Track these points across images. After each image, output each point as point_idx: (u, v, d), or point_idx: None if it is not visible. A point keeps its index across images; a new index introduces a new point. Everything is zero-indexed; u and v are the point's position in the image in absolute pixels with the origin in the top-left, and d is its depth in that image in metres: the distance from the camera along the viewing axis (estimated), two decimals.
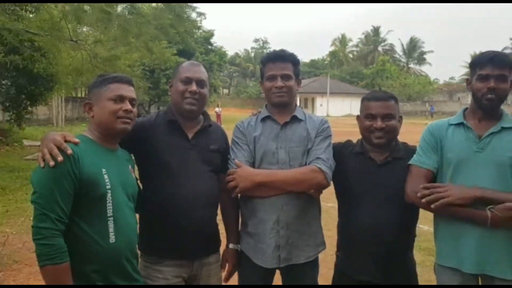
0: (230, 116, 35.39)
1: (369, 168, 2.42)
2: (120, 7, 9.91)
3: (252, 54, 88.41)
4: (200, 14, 11.99)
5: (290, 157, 2.41)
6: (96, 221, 1.93)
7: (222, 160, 2.46)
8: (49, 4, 10.98)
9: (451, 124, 2.33)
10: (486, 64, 2.19)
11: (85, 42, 12.05)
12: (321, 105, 53.12)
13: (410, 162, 2.36)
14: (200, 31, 42.52)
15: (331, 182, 2.41)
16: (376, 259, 2.33)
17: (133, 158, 2.32)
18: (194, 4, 11.00)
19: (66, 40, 10.96)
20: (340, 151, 2.53)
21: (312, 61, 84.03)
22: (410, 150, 2.45)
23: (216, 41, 50.35)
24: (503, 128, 2.21)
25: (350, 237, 2.45)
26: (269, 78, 2.47)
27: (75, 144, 1.92)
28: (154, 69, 29.54)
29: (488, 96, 2.18)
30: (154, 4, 10.69)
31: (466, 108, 2.38)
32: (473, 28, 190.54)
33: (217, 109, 35.49)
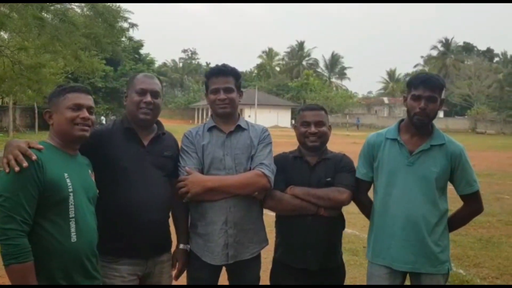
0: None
1: (304, 169, 2.77)
2: (51, 15, 9.59)
3: (180, 65, 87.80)
4: (133, 25, 11.80)
5: (236, 163, 2.67)
6: (59, 222, 2.05)
7: (174, 166, 2.66)
8: None
9: (387, 138, 2.70)
10: (418, 85, 2.53)
11: (8, 48, 11.51)
12: (249, 116, 53.85)
13: (356, 175, 2.75)
14: (129, 41, 41.69)
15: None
16: (311, 249, 2.66)
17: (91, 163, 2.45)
18: (127, 14, 10.89)
19: None
20: (282, 156, 2.87)
21: (241, 73, 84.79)
22: (337, 155, 2.86)
23: (144, 50, 49.54)
24: (432, 146, 2.58)
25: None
26: (213, 91, 2.72)
27: (39, 150, 2.04)
28: (78, 77, 28.51)
29: (418, 117, 2.54)
30: (86, 13, 10.46)
31: (402, 120, 2.76)
32: (389, 45, 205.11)
33: None
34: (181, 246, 2.73)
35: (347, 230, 5.26)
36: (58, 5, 9.55)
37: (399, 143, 2.64)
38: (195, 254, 2.68)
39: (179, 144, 2.77)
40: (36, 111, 30.29)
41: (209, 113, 2.88)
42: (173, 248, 2.75)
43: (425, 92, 2.51)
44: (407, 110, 2.63)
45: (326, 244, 2.70)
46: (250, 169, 2.66)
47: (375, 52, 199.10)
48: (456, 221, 2.73)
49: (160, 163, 2.59)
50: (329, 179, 2.73)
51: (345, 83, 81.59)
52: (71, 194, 2.08)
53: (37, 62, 12.27)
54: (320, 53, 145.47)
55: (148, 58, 45.88)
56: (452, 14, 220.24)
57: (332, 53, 79.15)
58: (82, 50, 11.70)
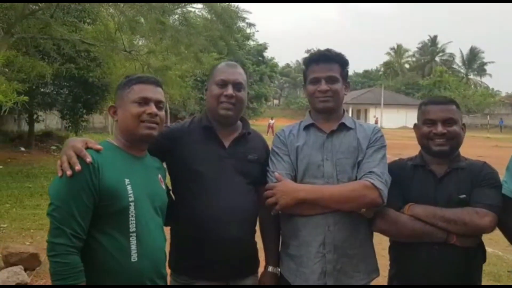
0: (282, 126, 35.22)
1: (429, 182, 2.12)
2: (171, 18, 10.00)
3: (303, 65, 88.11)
4: (250, 24, 11.77)
5: (338, 170, 2.12)
6: (117, 237, 1.74)
7: (261, 172, 2.22)
8: (105, 15, 11.35)
9: None
10: None
11: (138, 52, 12.33)
12: (374, 116, 51.72)
13: (503, 191, 2.02)
14: (253, 43, 43.02)
15: None
16: None
17: (164, 167, 2.13)
18: (244, 14, 10.88)
19: (120, 50, 11.26)
20: (399, 165, 2.23)
21: (366, 71, 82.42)
22: (474, 163, 2.15)
23: (269, 51, 50.71)
24: None
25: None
26: (312, 81, 2.21)
27: (97, 151, 1.75)
28: (205, 80, 30.05)
29: None
30: (205, 15, 10.72)
31: None
32: None
33: (270, 121, 36.08)
34: (270, 268, 2.26)
35: (487, 249, 4.33)
36: (178, 10, 9.86)
37: None
38: (287, 279, 2.19)
39: (270, 146, 2.31)
40: (169, 112, 32.66)
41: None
42: (261, 270, 2.30)
43: None
44: None
45: (458, 283, 2.01)
46: (356, 179, 2.09)
47: None
48: None
49: (244, 168, 2.17)
50: (463, 196, 2.04)
51: (485, 80, 73.45)
52: (132, 203, 1.76)
53: (164, 64, 12.94)
54: (456, 48, 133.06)
55: (271, 63, 46.58)
56: None
57: (471, 47, 71.95)
58: (201, 52, 11.99)
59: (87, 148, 1.74)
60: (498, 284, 4.54)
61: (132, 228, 1.75)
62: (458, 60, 73.26)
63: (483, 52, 71.79)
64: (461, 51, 72.75)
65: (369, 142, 2.17)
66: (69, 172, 1.65)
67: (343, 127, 2.21)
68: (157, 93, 1.91)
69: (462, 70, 72.67)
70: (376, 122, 45.80)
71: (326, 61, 2.20)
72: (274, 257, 2.26)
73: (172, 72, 13.94)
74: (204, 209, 2.07)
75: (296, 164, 2.18)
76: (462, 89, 57.17)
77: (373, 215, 2.12)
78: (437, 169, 2.13)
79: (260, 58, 46.07)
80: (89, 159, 1.68)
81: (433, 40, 74.29)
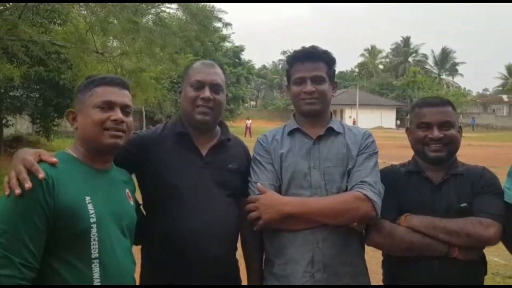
0: (259, 127, 35.18)
1: (425, 190, 1.95)
2: (145, 18, 9.69)
3: (280, 66, 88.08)
4: (227, 24, 11.55)
5: (326, 179, 1.93)
6: (77, 265, 1.49)
7: (242, 182, 2.01)
8: (75, 16, 10.98)
9: None
10: None
11: (111, 54, 11.95)
12: (350, 117, 52.17)
13: (505, 199, 1.86)
14: (230, 44, 42.87)
15: None
16: None
17: (134, 179, 1.90)
18: (220, 14, 10.66)
19: (91, 52, 10.89)
20: (391, 172, 2.06)
21: (341, 72, 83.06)
22: (473, 168, 2.00)
23: (245, 53, 50.69)
24: None
25: None
26: (297, 81, 2.01)
27: (52, 164, 1.50)
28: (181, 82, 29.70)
29: None
30: (179, 15, 10.45)
31: None
32: (509, 37, 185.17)
33: (247, 121, 35.67)
34: None
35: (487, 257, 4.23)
36: (152, 10, 9.58)
37: None
38: None
39: (252, 153, 2.11)
40: (144, 115, 32.09)
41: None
42: None
43: None
44: None
45: None
46: (346, 189, 1.91)
47: (492, 46, 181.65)
48: None
49: (224, 179, 1.95)
50: (464, 204, 1.88)
51: (457, 80, 75.17)
52: (94, 225, 1.52)
53: (138, 66, 12.62)
54: (428, 49, 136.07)
55: (248, 65, 46.48)
56: None
57: (442, 48, 73.46)
58: (177, 53, 11.72)
59: (40, 161, 1.49)
60: None
61: (95, 253, 1.51)
62: (430, 60, 74.79)
63: (454, 52, 73.53)
64: (433, 52, 74.31)
65: (360, 148, 1.99)
66: (17, 191, 1.40)
67: (331, 131, 2.02)
68: (123, 96, 1.68)
69: (434, 71, 74.12)
70: (354, 123, 46.24)
71: (311, 60, 2.01)
72: (257, 277, 2.05)
73: (146, 74, 13.61)
74: (179, 225, 1.84)
75: (280, 174, 1.98)
76: (435, 89, 58.16)
77: (364, 228, 1.94)
78: (433, 176, 1.97)
79: (237, 60, 45.92)
80: (41, 174, 1.43)
81: (406, 41, 75.49)
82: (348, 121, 51.11)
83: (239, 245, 2.06)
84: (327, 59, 2.04)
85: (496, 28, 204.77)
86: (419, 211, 1.90)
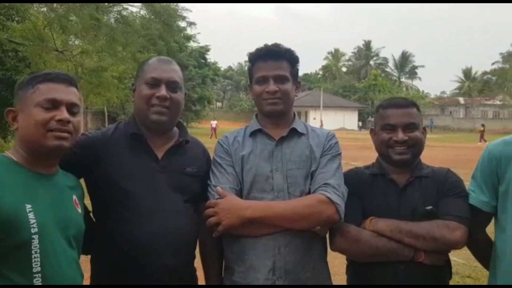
0: (225, 128, 35.11)
1: (390, 193, 1.91)
2: (106, 16, 9.39)
3: (246, 68, 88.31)
4: (191, 23, 11.40)
5: (289, 182, 1.86)
6: (17, 280, 1.36)
7: (202, 186, 1.90)
8: (34, 13, 10.55)
9: None
10: None
11: (71, 52, 11.54)
12: (314, 118, 52.84)
13: (470, 201, 1.85)
14: (195, 44, 42.58)
15: None
16: None
17: (83, 184, 1.76)
18: (184, 13, 10.50)
19: (51, 50, 10.48)
20: (356, 174, 2.01)
21: (305, 74, 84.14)
22: (437, 170, 1.97)
23: (211, 54, 50.45)
24: None
25: None
26: (259, 80, 1.93)
27: None
28: None
29: None
30: (142, 13, 10.21)
31: None
32: (465, 42, 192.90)
33: (212, 122, 35.43)
34: None
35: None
36: (114, 8, 9.32)
37: None
38: None
39: (212, 155, 2.01)
40: (106, 115, 31.32)
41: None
42: None
43: None
44: None
45: None
46: (309, 192, 1.84)
47: (449, 50, 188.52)
48: None
49: (181, 183, 1.84)
50: (429, 207, 1.84)
51: (416, 83, 77.40)
52: (35, 236, 1.38)
53: (99, 65, 12.27)
54: (389, 53, 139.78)
55: (214, 66, 46.22)
56: None
57: (402, 52, 75.62)
58: (140, 52, 11.46)
59: None
60: None
61: (37, 267, 1.38)
62: (391, 64, 76.82)
63: (413, 56, 75.81)
64: (393, 56, 76.38)
65: (323, 150, 1.93)
66: None
67: (294, 133, 1.95)
68: (69, 93, 1.54)
69: (395, 74, 76.15)
70: (321, 124, 46.81)
71: (274, 58, 1.93)
72: (216, 285, 1.95)
73: (108, 73, 13.22)
74: (131, 234, 1.72)
75: (241, 176, 1.89)
76: (395, 91, 59.74)
77: (327, 232, 1.88)
78: (398, 179, 1.93)
79: (203, 61, 45.59)
80: None
81: (367, 44, 77.20)
82: (312, 123, 51.80)
83: (198, 253, 1.96)
84: (290, 58, 1.97)
85: (453, 32, 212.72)
86: (384, 214, 1.86)
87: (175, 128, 1.95)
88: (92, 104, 26.42)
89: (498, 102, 57.67)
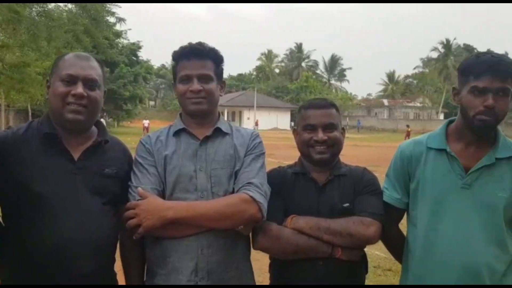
0: (158, 128, 34.29)
1: (311, 191, 1.97)
2: (28, 9, 8.83)
3: None
4: (120, 19, 11.06)
5: (213, 182, 1.85)
6: None
7: (122, 188, 1.84)
8: None
9: (431, 148, 1.88)
10: (483, 73, 1.69)
11: None
12: (248, 118, 53.37)
13: (384, 199, 1.95)
14: (125, 41, 41.33)
15: None
16: None
17: None
18: (113, 8, 10.14)
19: None
20: (279, 173, 2.06)
21: (240, 74, 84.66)
22: (354, 169, 2.06)
23: (143, 52, 49.13)
24: (497, 160, 1.77)
25: None
26: (183, 79, 1.91)
27: None
28: None
29: (482, 118, 1.71)
30: (69, 6, 9.71)
31: (451, 122, 1.93)
32: (389, 46, 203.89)
33: (145, 121, 34.43)
34: None
35: (369, 250, 4.45)
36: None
37: (449, 156, 1.82)
38: None
39: (133, 155, 1.95)
40: (30, 114, 29.43)
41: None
42: None
43: (494, 83, 1.68)
44: (460, 108, 1.81)
45: None
46: (233, 192, 1.85)
47: (375, 54, 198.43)
48: None
49: (99, 185, 1.77)
50: (346, 204, 1.92)
51: (344, 85, 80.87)
52: None
53: (21, 61, 11.53)
54: (319, 55, 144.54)
55: (146, 64, 45.06)
56: (452, 16, 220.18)
57: (332, 55, 78.58)
58: (66, 47, 10.92)
59: None
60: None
61: None
62: (321, 66, 79.55)
63: (342, 59, 79.04)
64: (323, 58, 79.12)
65: (247, 149, 1.94)
66: None
67: (218, 132, 1.95)
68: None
69: (325, 76, 78.94)
70: (257, 124, 47.34)
71: (198, 57, 1.91)
72: (138, 285, 1.90)
73: (31, 69, 12.47)
74: (43, 239, 1.63)
75: (164, 177, 1.86)
76: (325, 93, 61.92)
77: (251, 231, 1.90)
78: (318, 177, 1.99)
79: (134, 58, 44.33)
80: None
81: (299, 47, 79.33)
82: (246, 123, 52.28)
83: (118, 256, 1.90)
84: (215, 57, 1.96)
85: (379, 37, 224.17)
86: (305, 212, 1.91)
87: (94, 128, 1.87)
88: (14, 102, 24.73)
89: (418, 104, 61.55)
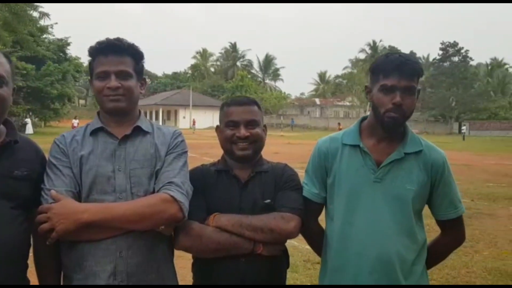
0: None
1: (233, 188, 1.99)
2: None
3: None
4: (44, 14, 10.45)
5: (132, 182, 1.80)
6: None
7: (34, 191, 1.75)
8: None
9: (345, 144, 1.96)
10: (391, 72, 1.78)
11: None
12: (184, 117, 52.73)
13: (304, 194, 2.00)
14: (52, 37, 39.26)
15: None
16: None
17: None
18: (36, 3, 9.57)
19: None
20: (201, 172, 2.06)
21: (175, 73, 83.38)
22: (276, 166, 2.10)
23: (72, 49, 46.82)
24: (406, 154, 1.88)
25: None
26: (100, 75, 1.84)
27: None
28: None
29: (391, 115, 1.81)
30: None
31: (364, 119, 2.02)
32: (321, 47, 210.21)
33: (74, 121, 32.91)
34: None
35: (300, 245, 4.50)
36: None
37: (362, 151, 1.91)
38: None
39: (47, 156, 1.86)
40: None
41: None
42: None
43: (401, 82, 1.79)
44: (372, 106, 1.90)
45: None
46: (153, 191, 1.81)
47: (307, 54, 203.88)
48: (435, 256, 2.02)
49: (8, 188, 1.67)
50: (268, 200, 1.96)
51: (278, 84, 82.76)
52: None
53: None
54: (254, 55, 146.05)
55: (76, 62, 42.93)
56: (377, 20, 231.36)
57: (266, 54, 79.70)
58: None
59: None
60: (296, 274, 4.83)
61: None
62: (256, 65, 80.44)
63: (276, 59, 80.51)
64: (258, 58, 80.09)
65: (169, 148, 1.90)
66: None
67: (138, 131, 1.89)
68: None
69: (259, 75, 79.93)
70: (194, 123, 46.86)
71: (116, 53, 1.85)
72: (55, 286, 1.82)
73: None
74: None
75: (80, 178, 1.78)
76: (260, 92, 62.77)
77: (172, 231, 1.87)
78: (241, 174, 2.01)
79: (62, 55, 42.15)
80: None
81: (234, 46, 79.74)
82: (182, 121, 51.59)
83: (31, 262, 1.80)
84: (134, 53, 1.90)
85: (311, 37, 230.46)
86: (228, 209, 1.92)
87: (2, 127, 1.76)
88: None
89: (347, 103, 64.11)
